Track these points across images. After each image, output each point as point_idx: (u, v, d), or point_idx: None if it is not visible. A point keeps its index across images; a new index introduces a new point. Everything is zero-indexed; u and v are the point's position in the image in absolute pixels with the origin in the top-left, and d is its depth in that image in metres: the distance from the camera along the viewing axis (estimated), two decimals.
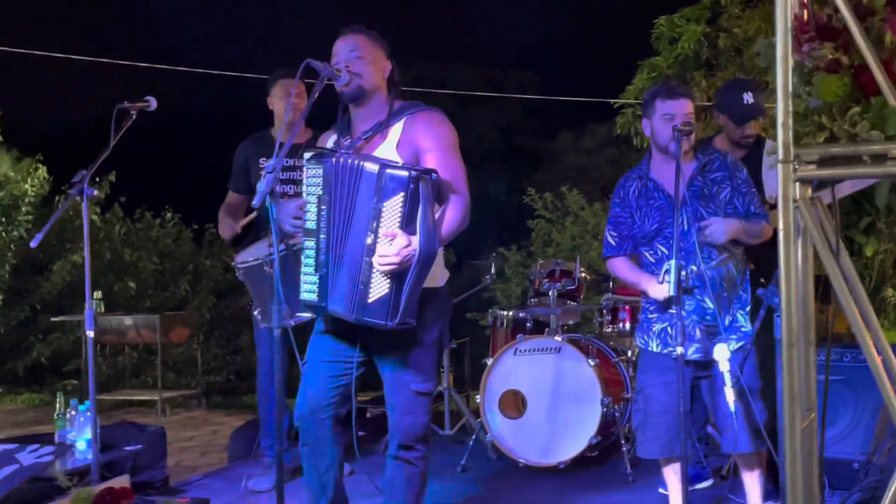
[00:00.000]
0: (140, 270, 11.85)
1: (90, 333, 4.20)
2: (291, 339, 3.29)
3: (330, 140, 3.69)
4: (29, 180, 11.18)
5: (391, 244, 3.17)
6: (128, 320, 9.12)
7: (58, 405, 4.64)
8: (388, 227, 3.20)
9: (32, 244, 4.13)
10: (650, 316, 4.02)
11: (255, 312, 4.70)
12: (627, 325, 5.61)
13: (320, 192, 3.39)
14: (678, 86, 3.92)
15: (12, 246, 10.95)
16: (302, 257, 3.47)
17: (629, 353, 5.56)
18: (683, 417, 3.54)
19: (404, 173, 3.19)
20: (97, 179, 12.19)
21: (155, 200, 13.61)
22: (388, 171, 3.21)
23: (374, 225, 3.21)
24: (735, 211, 3.90)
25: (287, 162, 5.06)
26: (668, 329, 3.88)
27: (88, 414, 4.43)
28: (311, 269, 3.41)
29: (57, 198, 12.21)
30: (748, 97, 4.49)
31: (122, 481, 3.67)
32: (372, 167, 3.24)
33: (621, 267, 4.10)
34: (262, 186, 3.22)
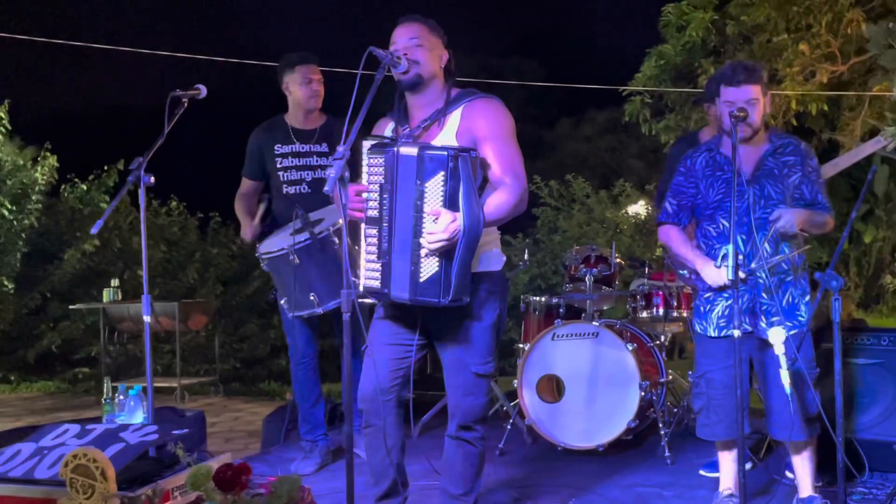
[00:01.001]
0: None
1: (147, 318, 4.22)
2: (361, 321, 3.32)
3: (387, 128, 3.72)
4: (39, 168, 11.16)
5: (436, 222, 3.22)
6: None
7: (105, 390, 4.66)
8: (432, 207, 3.25)
9: (93, 231, 4.16)
10: (706, 298, 4.07)
11: (282, 302, 4.77)
12: (661, 311, 5.65)
13: (382, 181, 3.42)
14: (741, 71, 3.94)
15: (23, 234, 10.94)
16: (363, 244, 3.51)
17: (662, 339, 5.62)
18: (741, 400, 3.59)
19: (443, 153, 3.24)
20: (106, 168, 12.21)
21: (160, 189, 13.60)
22: (428, 152, 3.26)
23: (419, 205, 3.27)
24: (801, 197, 3.95)
25: (303, 147, 5.12)
26: (723, 310, 3.94)
27: (140, 398, 4.49)
28: (374, 257, 3.45)
29: (63, 186, 12.21)
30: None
31: (225, 458, 3.73)
32: (410, 151, 3.29)
33: (674, 236, 4.15)
34: (331, 172, 3.26)
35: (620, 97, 13.00)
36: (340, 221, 4.45)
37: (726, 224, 3.96)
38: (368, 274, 3.48)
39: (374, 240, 3.46)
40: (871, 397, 4.61)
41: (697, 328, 4.13)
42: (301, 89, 5.08)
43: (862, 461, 4.45)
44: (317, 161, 5.11)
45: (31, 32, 10.49)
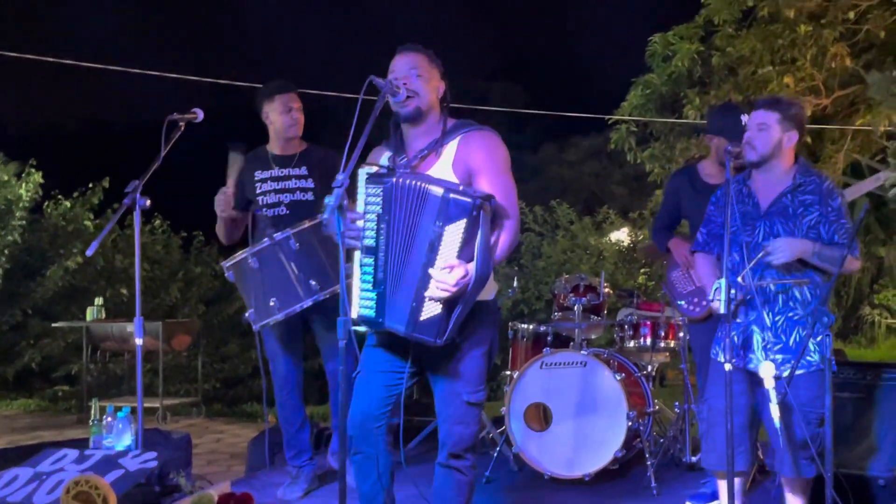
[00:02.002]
0: (131, 277, 11.78)
1: (139, 341, 4.18)
2: (355, 345, 3.35)
3: (383, 157, 3.73)
4: (24, 185, 11.11)
5: (450, 273, 3.24)
6: (129, 327, 9.08)
7: (93, 412, 4.65)
8: (448, 251, 3.27)
9: (88, 252, 4.14)
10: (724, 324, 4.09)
11: (247, 314, 4.74)
12: (648, 341, 5.70)
13: (380, 211, 3.43)
14: (762, 99, 4.02)
15: (5, 251, 10.88)
16: (359, 273, 3.52)
17: (650, 369, 5.65)
18: (731, 433, 3.61)
19: (468, 200, 3.25)
20: (91, 186, 12.17)
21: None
22: (453, 195, 3.27)
23: (434, 246, 3.28)
24: (818, 237, 3.92)
25: (282, 172, 5.10)
26: (735, 339, 3.95)
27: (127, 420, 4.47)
28: (369, 286, 3.46)
29: (47, 203, 12.15)
30: (745, 118, 4.58)
31: (223, 487, 3.72)
32: (437, 191, 3.29)
33: (703, 264, 4.24)
34: (329, 201, 3.28)
35: (605, 123, 13.12)
36: (299, 226, 4.55)
37: (736, 257, 3.99)
38: (363, 303, 3.49)
39: (370, 268, 3.47)
40: (855, 433, 4.64)
41: (712, 353, 4.16)
42: (281, 118, 5.08)
43: (847, 497, 4.46)
44: (295, 184, 5.08)
45: (18, 49, 10.46)
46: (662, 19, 12.87)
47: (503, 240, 3.46)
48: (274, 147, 5.17)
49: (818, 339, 3.79)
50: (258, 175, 5.11)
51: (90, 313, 9.26)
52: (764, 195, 3.99)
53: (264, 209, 5.09)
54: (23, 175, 11.36)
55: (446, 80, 3.72)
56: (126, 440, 4.51)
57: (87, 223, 12.04)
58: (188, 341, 9.49)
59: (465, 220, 3.26)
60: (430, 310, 3.31)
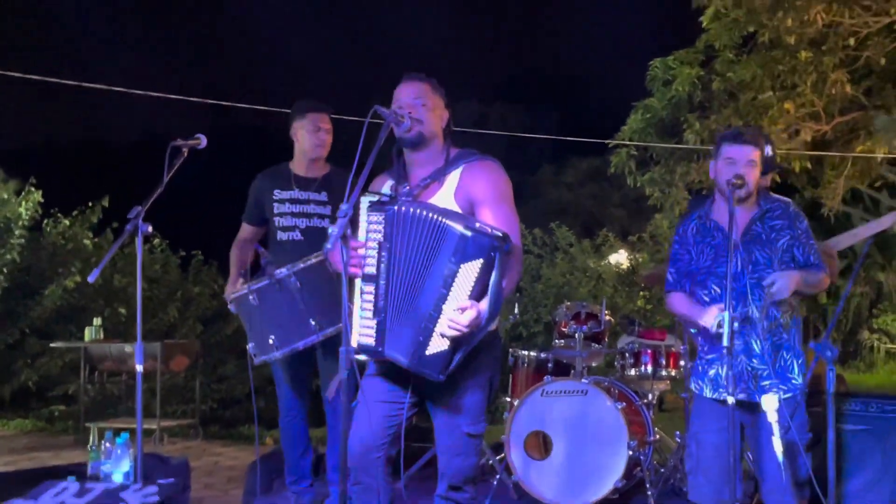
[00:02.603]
0: (130, 296, 11.78)
1: (139, 367, 4.15)
2: (356, 374, 3.34)
3: (385, 185, 3.72)
4: (24, 203, 11.10)
5: (462, 314, 3.22)
6: (128, 348, 9.05)
7: (91, 437, 4.62)
8: (462, 290, 3.25)
9: (90, 279, 4.11)
10: (706, 359, 4.08)
11: (249, 346, 4.66)
12: (649, 369, 5.68)
13: (381, 239, 3.43)
14: (745, 132, 4.02)
15: (4, 269, 10.86)
16: (359, 300, 3.50)
17: (650, 397, 5.63)
18: (734, 467, 3.60)
19: (486, 240, 3.24)
20: (91, 204, 12.16)
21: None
22: (472, 233, 3.24)
23: (448, 283, 3.26)
24: (793, 260, 3.97)
25: (302, 195, 5.04)
26: (721, 372, 3.95)
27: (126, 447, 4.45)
28: (370, 314, 3.45)
29: (46, 221, 12.13)
30: (767, 149, 4.61)
31: None
32: (456, 227, 3.26)
33: (679, 301, 4.19)
34: (332, 230, 3.27)
35: (604, 146, 13.15)
36: (301, 264, 4.46)
37: (717, 289, 4.00)
38: (363, 331, 3.48)
39: (371, 296, 3.46)
40: (857, 465, 4.62)
41: (693, 387, 4.15)
42: (308, 137, 5.02)
43: None
44: (313, 209, 5.03)
45: (17, 66, 10.47)
46: (663, 43, 12.90)
47: (510, 276, 3.44)
48: (297, 167, 5.11)
49: (800, 361, 3.89)
50: (277, 194, 5.05)
51: (88, 333, 9.22)
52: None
53: (279, 231, 5.04)
54: (22, 193, 11.35)
55: (450, 109, 3.73)
56: (125, 466, 4.49)
57: (87, 242, 12.03)
58: (186, 363, 9.45)
59: (481, 260, 3.25)
60: (437, 346, 3.30)
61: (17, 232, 10.97)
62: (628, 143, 12.27)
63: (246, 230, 5.23)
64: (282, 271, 4.46)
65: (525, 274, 13.47)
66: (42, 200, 11.38)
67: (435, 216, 3.33)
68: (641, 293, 12.94)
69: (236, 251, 5.20)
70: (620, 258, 14.73)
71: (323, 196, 5.04)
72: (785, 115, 10.57)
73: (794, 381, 3.94)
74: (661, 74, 12.23)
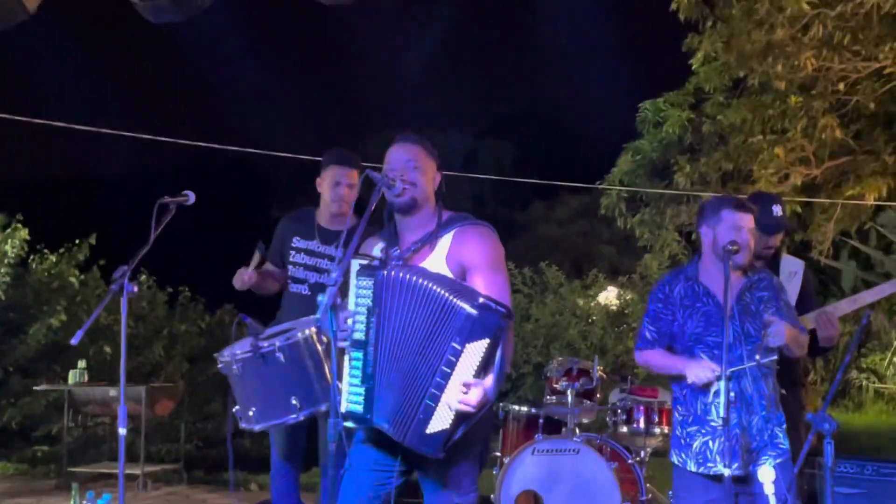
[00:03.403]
0: (116, 334, 11.64)
1: (122, 431, 4.04)
2: (345, 443, 3.27)
3: (376, 248, 3.67)
4: (9, 241, 10.98)
5: (469, 393, 3.18)
6: (112, 391, 8.92)
7: (73, 496, 4.53)
8: (467, 369, 3.21)
9: (73, 341, 4.02)
10: (688, 430, 4.00)
11: (235, 409, 4.43)
12: (642, 426, 5.61)
13: (370, 304, 3.38)
14: (744, 202, 4.03)
15: None
16: (347, 367, 3.45)
17: (642, 454, 5.56)
18: None
19: (493, 319, 3.19)
20: (77, 242, 12.05)
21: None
22: (479, 313, 3.18)
23: (451, 363, 3.20)
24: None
25: (320, 248, 4.93)
26: (710, 444, 3.89)
27: None
28: (357, 381, 3.41)
29: (32, 257, 11.98)
30: (777, 209, 4.59)
31: None
32: (462, 306, 3.20)
33: (655, 357, 4.13)
34: (322, 299, 3.22)
35: (594, 183, 13.16)
36: (286, 340, 4.14)
37: (705, 358, 3.93)
38: (351, 397, 3.42)
39: (359, 363, 3.40)
40: None
41: (676, 460, 4.07)
42: (329, 191, 4.90)
43: None
44: (327, 265, 4.89)
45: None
46: (653, 85, 12.92)
47: (509, 349, 3.38)
48: (322, 218, 4.99)
49: (783, 426, 3.88)
50: (296, 242, 4.95)
51: (72, 376, 9.10)
52: (721, 293, 3.90)
53: (290, 282, 4.96)
54: (8, 230, 11.23)
55: (442, 171, 3.68)
56: None
57: (73, 279, 11.90)
58: (171, 407, 9.33)
59: (488, 340, 3.21)
60: (439, 424, 3.24)
61: (2, 269, 10.85)
62: (618, 187, 12.27)
63: (270, 266, 5.11)
64: (267, 345, 4.22)
65: (515, 313, 13.39)
66: (28, 238, 11.26)
67: (431, 285, 3.27)
68: (631, 334, 12.86)
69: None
70: (610, 296, 14.67)
71: (340, 252, 4.88)
72: (775, 159, 10.58)
73: (781, 446, 3.92)
74: (652, 116, 12.28)
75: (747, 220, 3.94)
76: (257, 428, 4.27)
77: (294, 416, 4.16)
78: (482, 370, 3.22)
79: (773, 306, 3.96)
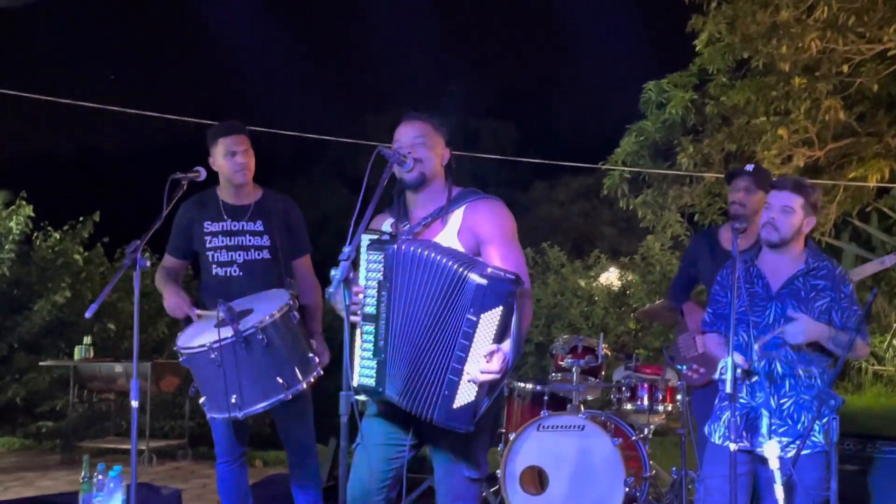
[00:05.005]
0: (119, 311, 11.70)
1: (134, 403, 4.00)
2: (357, 417, 3.31)
3: (385, 223, 3.70)
4: (14, 218, 11.02)
5: (491, 360, 3.21)
6: (118, 367, 8.99)
7: (84, 468, 4.56)
8: (485, 338, 3.24)
9: (87, 314, 4.02)
10: (722, 405, 4.02)
11: (201, 401, 4.30)
12: (646, 403, 5.66)
13: (380, 279, 3.41)
14: (789, 180, 4.04)
15: None
16: (359, 341, 3.48)
17: (646, 431, 5.61)
18: None
19: (503, 286, 3.22)
20: (82, 220, 12.07)
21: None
22: (488, 281, 3.21)
23: (469, 335, 3.23)
24: (830, 322, 3.91)
25: (235, 225, 4.63)
26: (737, 420, 3.92)
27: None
28: (370, 354, 3.43)
29: (36, 234, 12.02)
30: (749, 167, 4.74)
31: None
32: (472, 277, 3.24)
33: (712, 344, 4.20)
34: (336, 274, 3.24)
35: (596, 163, 13.15)
36: (267, 318, 4.05)
37: (745, 337, 3.97)
38: (363, 371, 3.46)
39: (371, 336, 3.44)
40: None
41: (706, 430, 4.13)
42: (226, 164, 4.57)
43: None
44: (249, 241, 4.60)
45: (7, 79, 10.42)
46: (657, 66, 12.89)
47: (525, 312, 3.42)
48: (225, 195, 4.67)
49: (824, 420, 3.78)
50: (208, 227, 4.63)
51: (78, 352, 9.16)
52: (774, 276, 3.98)
53: (215, 266, 4.62)
54: (12, 206, 11.27)
55: (451, 147, 3.70)
56: (117, 500, 4.43)
57: (77, 256, 11.93)
58: (177, 383, 9.38)
59: (501, 308, 3.24)
60: (465, 397, 3.27)
61: (7, 246, 10.89)
62: (620, 168, 12.27)
63: (170, 262, 4.82)
64: (245, 326, 4.05)
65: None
66: (33, 215, 11.30)
67: (441, 258, 3.30)
68: (633, 314, 12.91)
69: (163, 273, 4.76)
70: (611, 276, 14.70)
71: (258, 225, 4.63)
72: (778, 140, 10.58)
73: (813, 439, 3.83)
74: (655, 97, 12.25)
75: (780, 198, 3.94)
76: (240, 415, 4.09)
77: (281, 395, 4.08)
78: (500, 337, 3.25)
79: (827, 296, 3.92)
